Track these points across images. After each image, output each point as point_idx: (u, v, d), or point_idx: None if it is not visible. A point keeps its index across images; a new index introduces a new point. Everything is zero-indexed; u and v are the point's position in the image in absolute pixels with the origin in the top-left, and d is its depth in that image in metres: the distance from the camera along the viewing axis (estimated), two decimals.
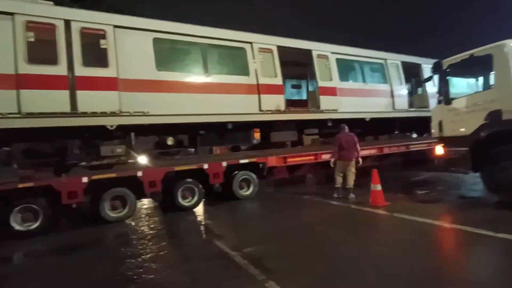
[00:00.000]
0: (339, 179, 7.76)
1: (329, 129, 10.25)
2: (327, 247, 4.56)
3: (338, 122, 9.80)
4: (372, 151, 10.50)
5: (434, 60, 7.06)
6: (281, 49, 9.26)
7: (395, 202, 6.68)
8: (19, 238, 5.93)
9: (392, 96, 11.52)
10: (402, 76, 11.95)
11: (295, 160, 9.30)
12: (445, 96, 6.82)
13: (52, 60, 6.39)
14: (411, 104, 12.41)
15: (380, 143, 11.15)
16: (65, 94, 6.43)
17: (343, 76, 10.55)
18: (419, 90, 13.62)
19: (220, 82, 8.22)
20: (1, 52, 5.97)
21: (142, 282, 3.77)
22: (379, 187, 6.70)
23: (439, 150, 6.97)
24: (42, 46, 6.29)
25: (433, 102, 10.68)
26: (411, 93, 13.45)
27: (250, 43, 8.82)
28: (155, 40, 7.52)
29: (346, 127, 7.90)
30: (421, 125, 11.80)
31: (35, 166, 6.74)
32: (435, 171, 10.15)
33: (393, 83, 11.62)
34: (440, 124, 6.95)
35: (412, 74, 12.83)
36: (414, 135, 13.54)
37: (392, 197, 6.96)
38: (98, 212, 6.74)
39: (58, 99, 6.35)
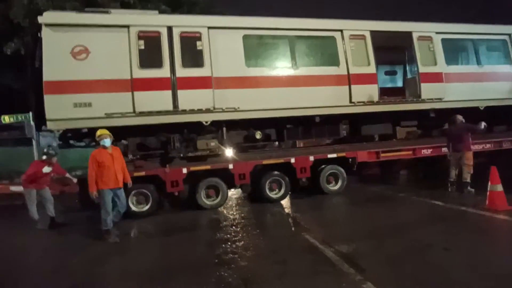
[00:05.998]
0: (451, 172, 7.42)
1: (432, 121, 9.09)
2: (431, 251, 4.05)
3: (443, 113, 8.65)
4: (486, 146, 8.95)
5: None
6: (375, 34, 8.52)
7: None
8: (134, 218, 6.92)
9: None
10: None
11: (389, 155, 8.54)
12: None
13: (158, 64, 7.17)
14: None
15: (498, 136, 9.40)
16: (168, 94, 7.18)
17: (451, 59, 9.15)
18: None
19: (308, 74, 8.03)
20: (120, 60, 6.98)
21: (237, 267, 3.96)
22: (500, 187, 5.66)
23: None
24: (150, 52, 7.13)
25: None
26: None
27: (340, 30, 8.34)
28: (245, 37, 7.77)
29: (459, 118, 7.39)
30: None
31: (145, 158, 7.75)
32: None
33: None
34: None
35: None
36: None
37: None
38: (195, 199, 7.42)
39: (162, 99, 7.11)
